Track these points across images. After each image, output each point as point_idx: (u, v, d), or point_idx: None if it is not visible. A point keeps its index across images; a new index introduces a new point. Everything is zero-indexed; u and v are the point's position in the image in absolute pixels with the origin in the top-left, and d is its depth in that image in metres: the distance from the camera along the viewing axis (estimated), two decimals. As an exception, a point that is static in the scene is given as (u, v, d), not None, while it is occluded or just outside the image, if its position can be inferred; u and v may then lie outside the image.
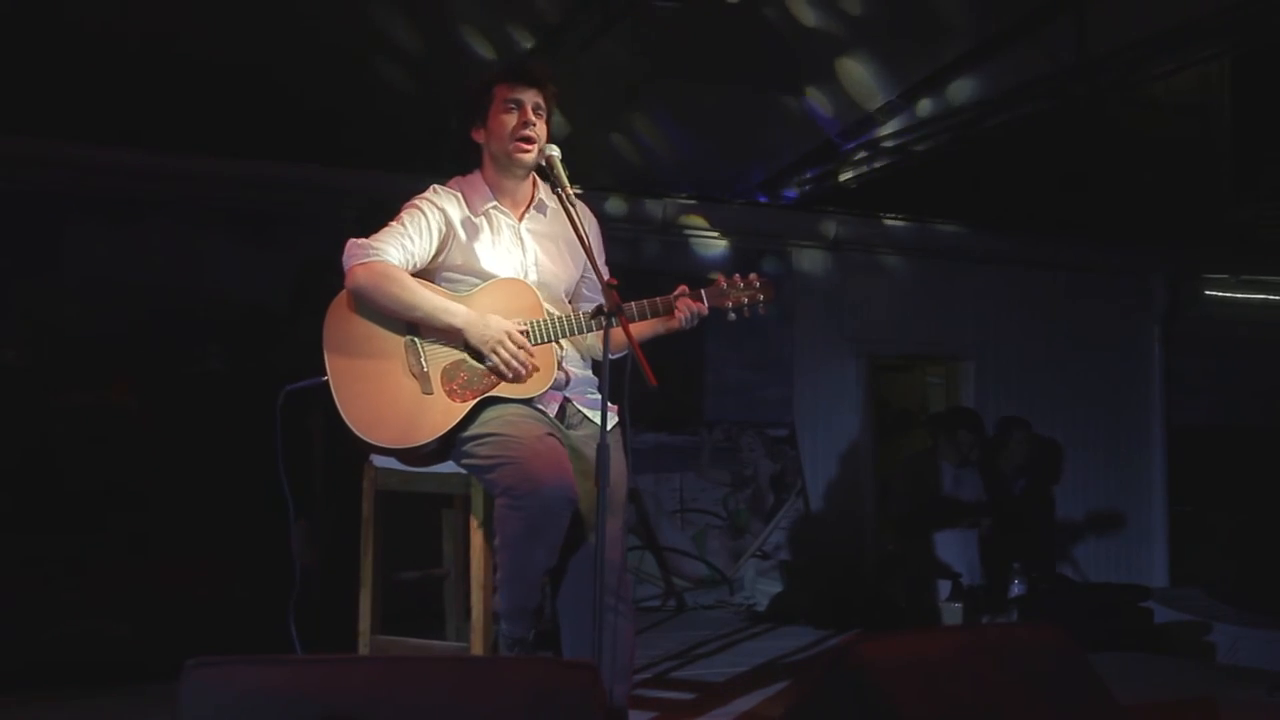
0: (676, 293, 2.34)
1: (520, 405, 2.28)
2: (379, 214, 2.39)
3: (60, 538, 3.00)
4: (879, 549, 5.24)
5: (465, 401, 2.26)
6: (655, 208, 5.02)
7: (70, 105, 3.80)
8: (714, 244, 5.22)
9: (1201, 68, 5.47)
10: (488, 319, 2.26)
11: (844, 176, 5.07)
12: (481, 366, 2.30)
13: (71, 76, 3.70)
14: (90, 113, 3.83)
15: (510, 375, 2.25)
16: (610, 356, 2.11)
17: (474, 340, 2.26)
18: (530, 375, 2.27)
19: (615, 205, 4.89)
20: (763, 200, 5.28)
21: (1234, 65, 5.97)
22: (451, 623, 2.62)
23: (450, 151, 2.63)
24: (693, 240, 5.17)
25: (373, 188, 3.97)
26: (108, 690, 2.89)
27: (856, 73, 4.39)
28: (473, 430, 2.25)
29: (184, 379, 3.28)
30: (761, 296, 2.38)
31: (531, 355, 2.27)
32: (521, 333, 2.28)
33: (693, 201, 5.13)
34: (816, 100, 4.58)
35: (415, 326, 2.31)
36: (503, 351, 2.24)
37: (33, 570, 2.97)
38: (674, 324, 2.33)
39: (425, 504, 2.55)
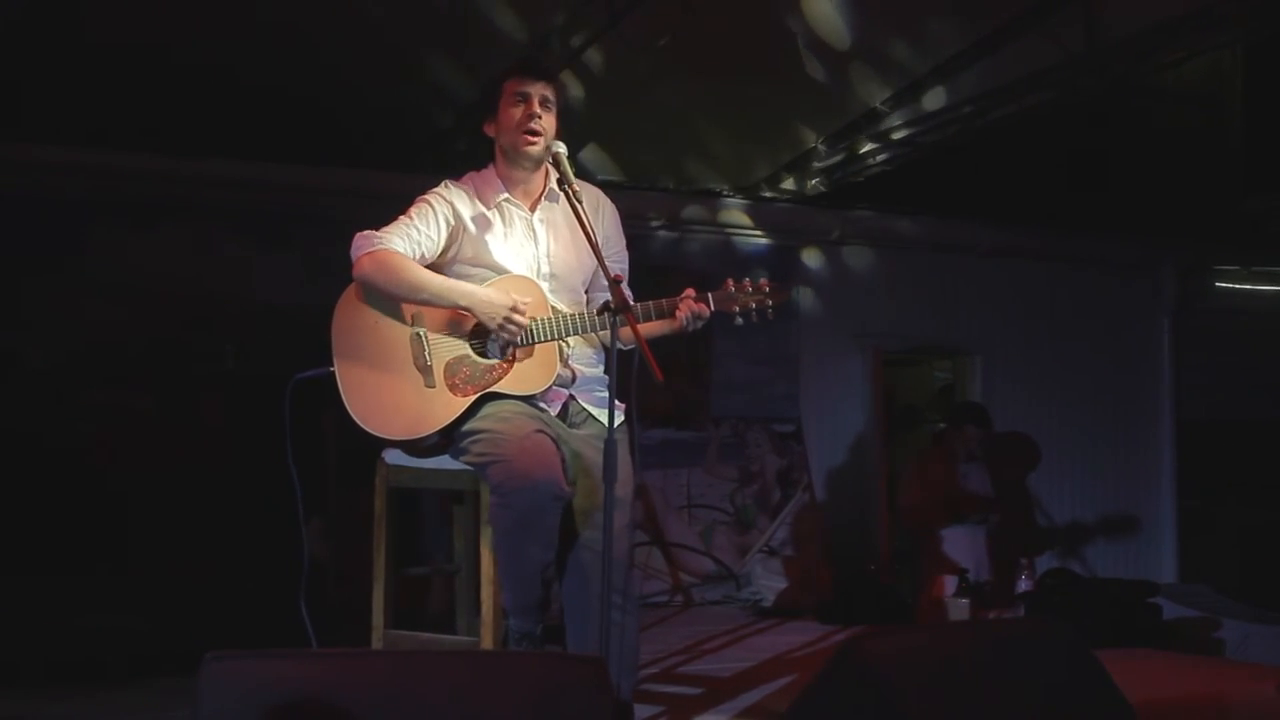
0: (683, 294, 2.35)
1: (517, 402, 2.30)
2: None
3: (79, 534, 3.03)
4: (886, 544, 5.25)
5: (466, 396, 2.29)
6: (661, 204, 5.03)
7: (91, 112, 3.84)
8: (719, 240, 5.22)
9: (1212, 56, 5.43)
10: (493, 295, 2.28)
11: (851, 170, 5.07)
12: (484, 362, 2.32)
13: (92, 85, 3.74)
14: (111, 119, 3.87)
15: (518, 344, 2.27)
16: (621, 347, 2.13)
17: (482, 317, 2.28)
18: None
19: (621, 202, 4.86)
20: (769, 196, 5.27)
21: (1246, 54, 5.93)
22: (462, 618, 2.65)
23: (461, 152, 2.65)
24: (698, 237, 5.17)
25: (387, 189, 3.98)
26: (126, 684, 2.93)
27: (862, 65, 4.38)
28: (470, 426, 2.27)
29: (199, 378, 3.31)
30: (770, 301, 2.36)
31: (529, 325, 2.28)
32: (527, 318, 2.29)
33: (699, 198, 5.13)
34: (823, 94, 4.57)
35: (420, 320, 2.34)
36: (511, 326, 2.26)
37: (51, 566, 3.01)
38: (676, 325, 2.34)
39: (436, 500, 2.57)
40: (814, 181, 5.20)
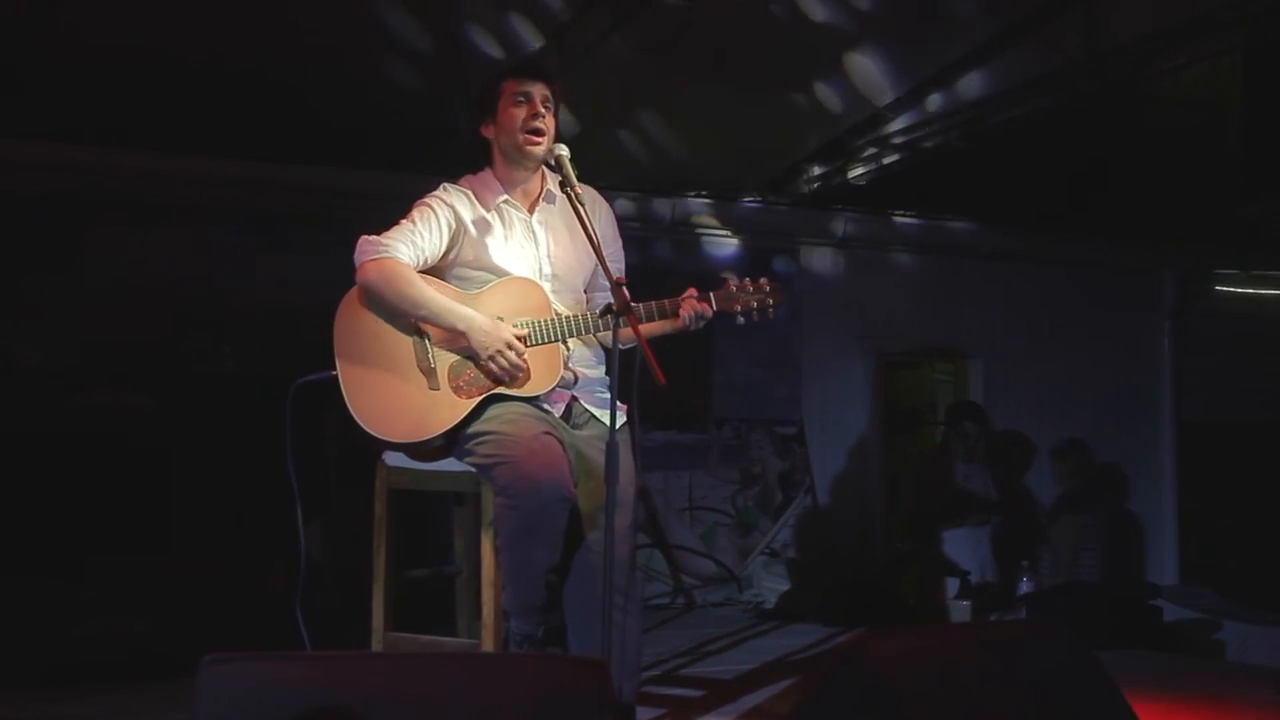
0: (685, 294, 2.35)
1: (523, 404, 2.30)
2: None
3: (77, 537, 3.03)
4: (887, 546, 5.25)
5: (471, 398, 2.29)
6: (664, 206, 5.03)
7: (89, 110, 3.83)
8: (723, 242, 5.22)
9: (1212, 62, 5.44)
10: (491, 325, 2.28)
11: (852, 173, 5.07)
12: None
13: (90, 83, 3.74)
14: (109, 118, 3.87)
15: (506, 380, 2.28)
16: (620, 347, 2.13)
17: (475, 345, 2.28)
18: (525, 381, 2.29)
19: (624, 204, 4.89)
20: (772, 198, 5.28)
21: (1245, 60, 5.94)
22: (463, 620, 2.65)
23: (459, 152, 2.65)
24: (702, 239, 5.18)
25: (386, 190, 3.99)
26: (125, 686, 2.93)
27: (865, 68, 4.39)
28: (475, 428, 2.27)
29: (199, 380, 3.31)
30: (771, 300, 2.37)
31: (526, 366, 2.28)
32: (521, 339, 2.29)
33: (702, 200, 5.13)
34: (825, 96, 4.57)
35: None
36: (501, 360, 2.26)
37: (51, 569, 3.01)
38: (679, 325, 2.34)
39: (437, 502, 2.56)
40: (815, 184, 5.21)
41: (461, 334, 2.28)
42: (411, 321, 2.33)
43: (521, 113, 2.34)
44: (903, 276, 5.57)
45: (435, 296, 2.31)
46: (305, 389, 2.37)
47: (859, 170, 5.03)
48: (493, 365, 2.27)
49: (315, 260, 4.16)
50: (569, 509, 2.20)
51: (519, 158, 2.37)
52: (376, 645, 2.45)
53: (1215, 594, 5.26)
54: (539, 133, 2.33)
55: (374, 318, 2.33)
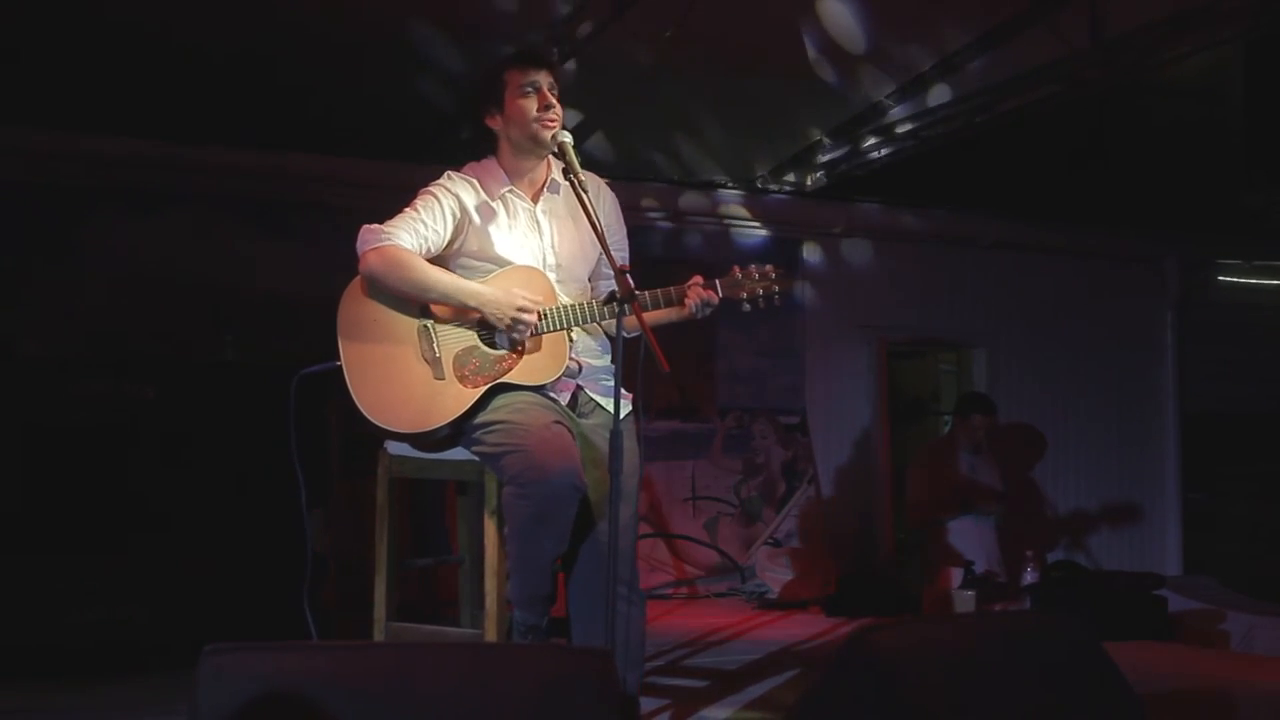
0: (690, 282, 2.34)
1: (531, 393, 2.29)
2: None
3: (78, 525, 3.03)
4: (891, 536, 5.24)
5: (477, 387, 2.27)
6: (666, 196, 5.01)
7: (89, 98, 3.81)
8: (722, 232, 5.21)
9: (1214, 51, 5.42)
10: (502, 295, 2.27)
11: (855, 163, 5.05)
12: (494, 353, 2.31)
13: (91, 69, 3.72)
14: (109, 105, 3.85)
15: (530, 335, 2.26)
16: (625, 335, 2.12)
17: (490, 317, 2.26)
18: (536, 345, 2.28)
19: (626, 194, 4.86)
20: (774, 188, 5.26)
21: (1247, 49, 5.91)
22: (466, 610, 2.64)
23: (464, 141, 2.64)
24: (701, 229, 5.16)
25: (389, 178, 3.97)
26: (126, 676, 2.92)
27: (868, 60, 4.36)
28: (483, 417, 2.26)
29: (200, 368, 3.31)
30: (776, 287, 2.37)
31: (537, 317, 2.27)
32: (534, 314, 2.28)
33: (704, 190, 5.11)
34: (827, 86, 4.55)
35: (428, 312, 2.33)
36: (520, 326, 2.25)
37: (51, 558, 3.00)
38: (685, 312, 2.33)
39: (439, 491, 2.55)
40: (818, 174, 5.19)
41: (474, 310, 2.28)
42: (417, 308, 2.32)
43: (531, 104, 2.34)
44: (906, 266, 5.56)
45: (442, 277, 2.30)
46: (306, 378, 2.35)
47: (862, 160, 5.01)
48: (513, 333, 2.26)
49: (317, 248, 4.14)
50: (580, 498, 2.19)
51: (531, 145, 2.36)
52: (379, 635, 2.44)
53: (1219, 584, 5.26)
54: (554, 118, 2.33)
55: (377, 307, 2.32)
